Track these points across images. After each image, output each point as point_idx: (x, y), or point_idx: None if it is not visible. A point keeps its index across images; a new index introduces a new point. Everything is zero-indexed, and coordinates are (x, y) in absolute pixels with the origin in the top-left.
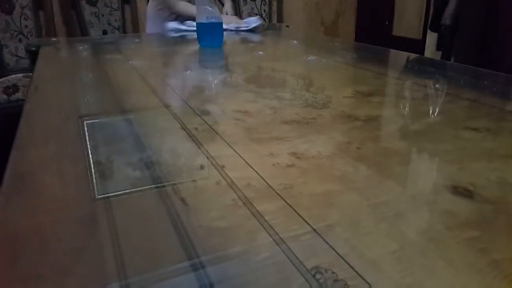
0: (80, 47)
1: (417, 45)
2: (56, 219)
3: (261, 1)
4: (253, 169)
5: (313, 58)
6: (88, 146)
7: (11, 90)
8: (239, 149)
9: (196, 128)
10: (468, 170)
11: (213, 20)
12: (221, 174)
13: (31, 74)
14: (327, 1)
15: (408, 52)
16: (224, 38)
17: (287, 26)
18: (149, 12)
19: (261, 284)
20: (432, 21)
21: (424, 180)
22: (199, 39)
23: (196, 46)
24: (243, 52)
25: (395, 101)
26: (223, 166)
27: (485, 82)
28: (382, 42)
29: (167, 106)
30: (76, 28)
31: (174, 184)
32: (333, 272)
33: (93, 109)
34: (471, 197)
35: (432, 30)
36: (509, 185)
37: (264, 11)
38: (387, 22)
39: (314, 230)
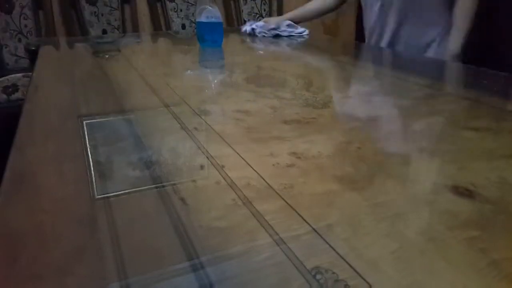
0: (80, 47)
1: None
2: (56, 219)
3: (261, 1)
4: (253, 169)
5: (313, 57)
6: (88, 146)
7: (10, 89)
8: (239, 149)
9: (196, 128)
10: (469, 170)
11: (213, 20)
12: (221, 174)
13: (30, 73)
14: None
15: None
16: (224, 38)
17: None
18: None
19: (261, 285)
20: None
21: (424, 180)
22: (199, 39)
23: (196, 46)
24: (243, 52)
25: (395, 100)
26: (223, 166)
27: (485, 82)
28: None
29: (167, 106)
30: (76, 28)
31: (174, 184)
32: (333, 273)
33: (92, 109)
34: (472, 197)
35: None
36: (509, 185)
37: (264, 10)
38: None
39: (314, 230)
